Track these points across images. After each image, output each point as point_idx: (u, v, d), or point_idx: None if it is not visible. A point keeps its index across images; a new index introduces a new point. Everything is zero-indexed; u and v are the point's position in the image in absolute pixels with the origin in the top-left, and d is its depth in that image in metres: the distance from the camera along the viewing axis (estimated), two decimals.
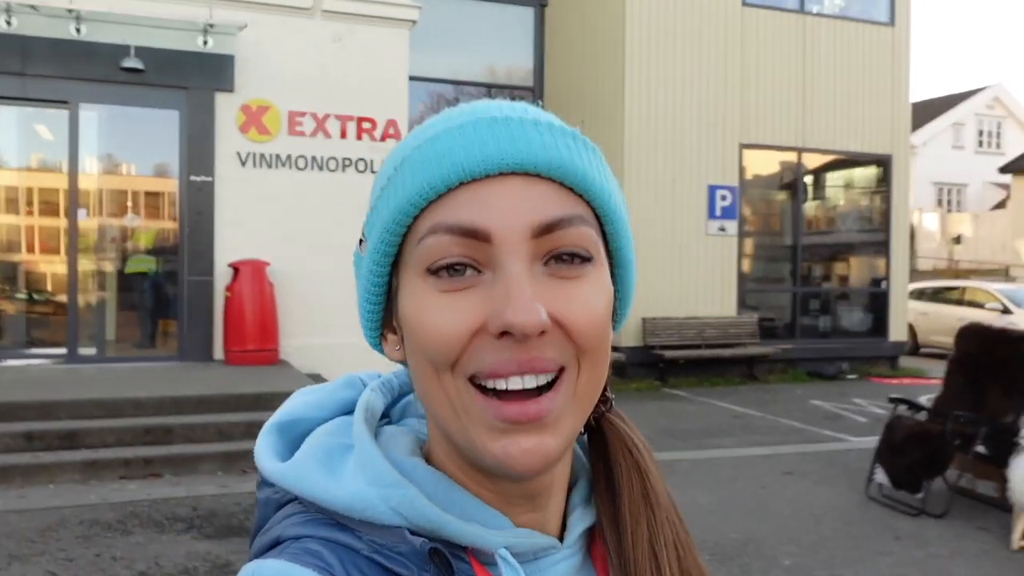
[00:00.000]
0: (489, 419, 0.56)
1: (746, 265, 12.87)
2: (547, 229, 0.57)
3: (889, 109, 13.41)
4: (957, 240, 29.72)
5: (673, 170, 11.97)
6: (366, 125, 9.79)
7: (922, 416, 6.15)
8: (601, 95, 12.33)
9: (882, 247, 13.61)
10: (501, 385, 0.56)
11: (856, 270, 13.97)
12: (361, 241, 0.64)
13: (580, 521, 0.68)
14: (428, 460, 0.65)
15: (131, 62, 8.64)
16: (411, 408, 0.72)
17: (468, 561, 0.61)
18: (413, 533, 0.59)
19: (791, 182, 13.23)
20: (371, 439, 0.63)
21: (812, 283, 13.55)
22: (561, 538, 0.67)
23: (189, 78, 9.08)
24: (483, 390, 0.57)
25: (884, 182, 13.58)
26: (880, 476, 5.97)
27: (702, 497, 5.87)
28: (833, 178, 14.01)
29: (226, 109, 9.24)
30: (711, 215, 12.22)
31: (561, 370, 0.57)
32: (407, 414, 0.72)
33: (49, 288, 9.24)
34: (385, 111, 9.89)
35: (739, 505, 5.80)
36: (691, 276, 12.01)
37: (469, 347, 0.56)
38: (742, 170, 12.54)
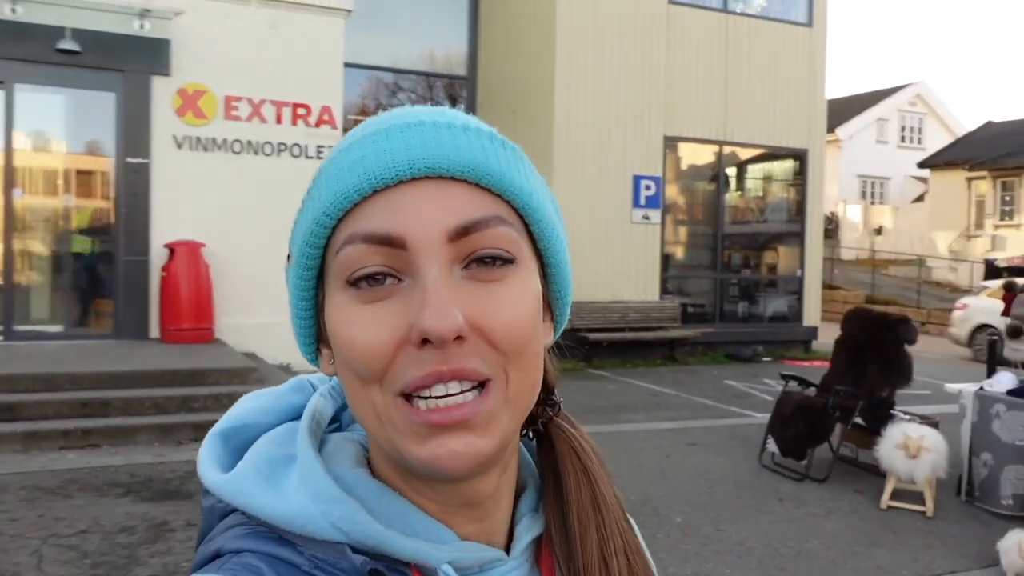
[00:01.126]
0: (413, 426, 0.56)
1: (669, 252, 13.47)
2: (463, 232, 0.56)
3: (806, 106, 14.11)
4: (878, 231, 30.96)
5: (600, 160, 12.46)
6: (301, 111, 10.07)
7: (811, 392, 6.75)
8: (532, 85, 12.76)
9: (798, 237, 14.34)
10: (425, 395, 0.55)
11: (773, 258, 14.69)
12: (289, 257, 0.63)
13: (527, 531, 0.67)
14: (372, 469, 0.64)
15: (67, 44, 8.78)
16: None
17: None
18: (355, 550, 0.58)
19: (713, 174, 13.86)
20: (314, 451, 0.62)
21: (732, 270, 14.22)
22: (508, 549, 0.66)
23: (125, 61, 9.25)
24: (408, 399, 0.56)
25: (800, 175, 14.31)
26: (771, 445, 6.55)
27: (608, 465, 6.36)
28: (753, 170, 14.68)
29: (162, 92, 9.44)
30: (636, 204, 12.76)
31: (488, 381, 0.56)
32: (356, 419, 0.68)
33: None
34: (320, 98, 10.18)
35: (642, 472, 6.32)
36: (616, 262, 12.53)
37: (395, 360, 0.55)
38: (666, 161, 13.10)
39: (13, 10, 8.66)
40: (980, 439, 5.92)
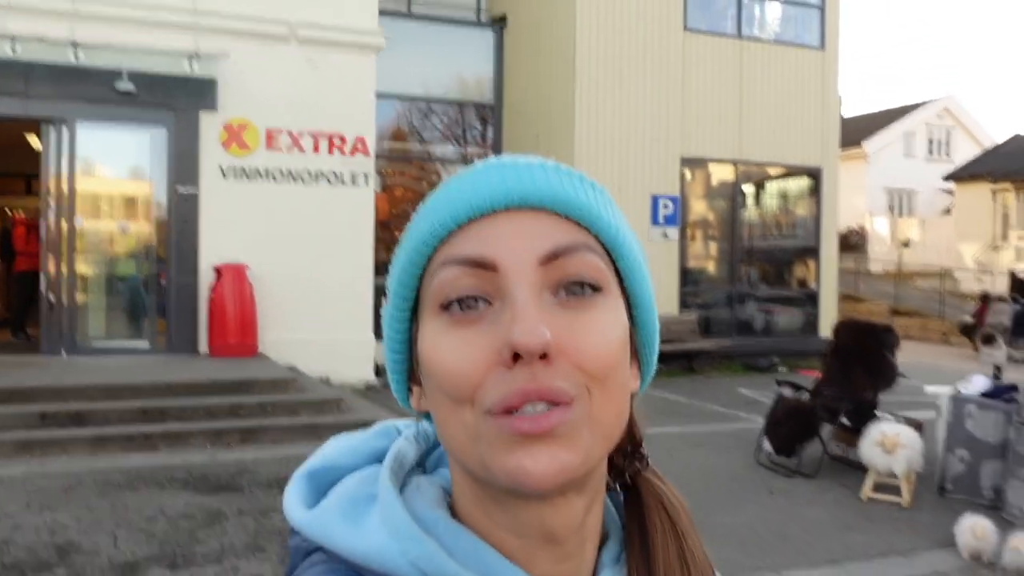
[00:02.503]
0: (503, 436, 0.56)
1: (688, 268, 14.05)
2: (553, 256, 0.58)
3: (819, 125, 14.65)
4: (906, 244, 31.16)
5: (619, 181, 13.10)
6: (337, 141, 10.86)
7: (804, 396, 7.32)
8: (554, 112, 13.46)
9: (813, 252, 14.85)
10: (516, 415, 0.56)
11: (789, 273, 15.20)
12: (384, 295, 0.65)
13: None
14: (454, 511, 0.64)
15: (124, 84, 9.66)
16: (446, 458, 0.69)
17: None
18: None
19: (730, 192, 14.44)
20: (394, 491, 0.63)
21: (749, 284, 14.76)
22: None
23: (176, 99, 10.11)
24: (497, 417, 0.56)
25: (815, 192, 14.83)
26: (766, 445, 7.13)
27: None
28: (769, 188, 15.21)
29: (210, 127, 10.28)
30: (654, 222, 13.39)
31: (573, 397, 0.56)
32: (441, 464, 0.71)
33: (47, 287, 10.17)
34: (354, 128, 10.96)
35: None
36: None
37: (485, 381, 0.56)
38: (683, 181, 13.72)
39: (76, 55, 9.55)
40: (955, 437, 6.46)
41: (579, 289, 0.58)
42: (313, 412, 8.02)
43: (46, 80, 9.57)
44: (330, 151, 10.85)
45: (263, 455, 7.07)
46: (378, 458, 0.69)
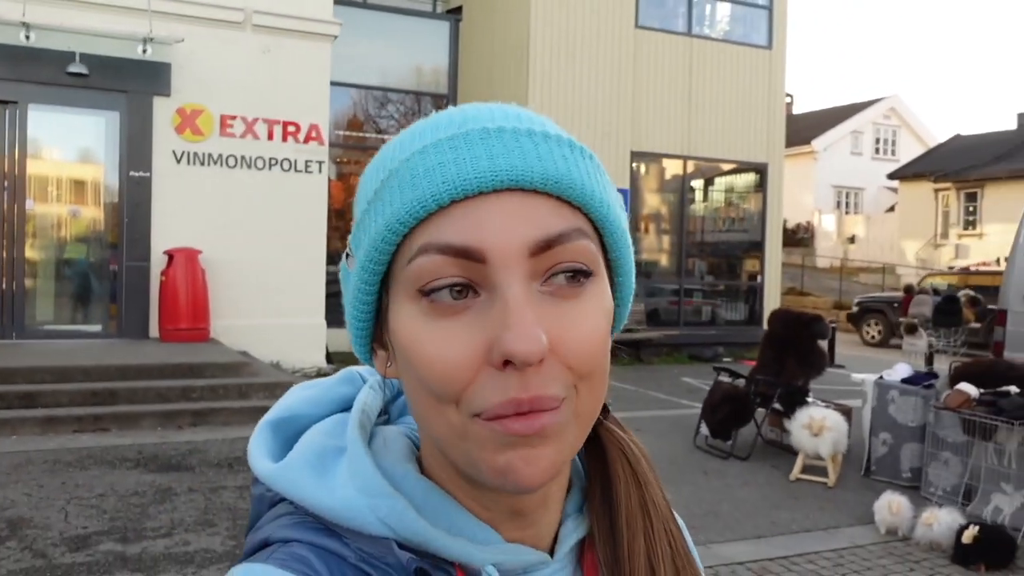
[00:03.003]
0: (495, 436, 0.54)
1: (637, 260, 14.32)
2: (546, 246, 0.55)
3: (766, 123, 15.05)
4: (851, 240, 31.98)
5: None
6: (291, 128, 10.93)
7: (740, 382, 7.63)
8: (507, 102, 13.63)
9: (758, 246, 15.27)
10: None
11: (735, 266, 15.61)
12: (347, 255, 0.62)
13: (572, 533, 0.67)
14: (421, 465, 0.64)
15: (76, 67, 9.64)
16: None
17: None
18: (401, 546, 0.58)
19: (678, 186, 14.78)
20: (364, 446, 0.62)
21: (696, 277, 15.13)
22: (552, 551, 0.65)
23: (129, 83, 10.10)
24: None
25: (761, 188, 15.24)
26: (703, 429, 7.44)
27: None
28: (716, 183, 15.59)
29: (163, 111, 10.29)
30: None
31: (562, 400, 0.55)
32: (405, 412, 0.71)
33: None
34: (309, 116, 11.04)
35: None
36: None
37: (474, 382, 0.54)
38: (633, 175, 14.02)
39: (27, 36, 9.49)
40: (878, 421, 6.81)
41: (570, 276, 0.56)
42: (264, 395, 8.14)
43: None
44: (284, 138, 10.92)
45: (214, 436, 7.19)
46: (342, 406, 0.69)
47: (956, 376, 6.08)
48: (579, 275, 0.56)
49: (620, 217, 0.61)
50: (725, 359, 14.20)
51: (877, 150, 35.67)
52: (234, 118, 10.62)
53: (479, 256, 0.54)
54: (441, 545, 0.59)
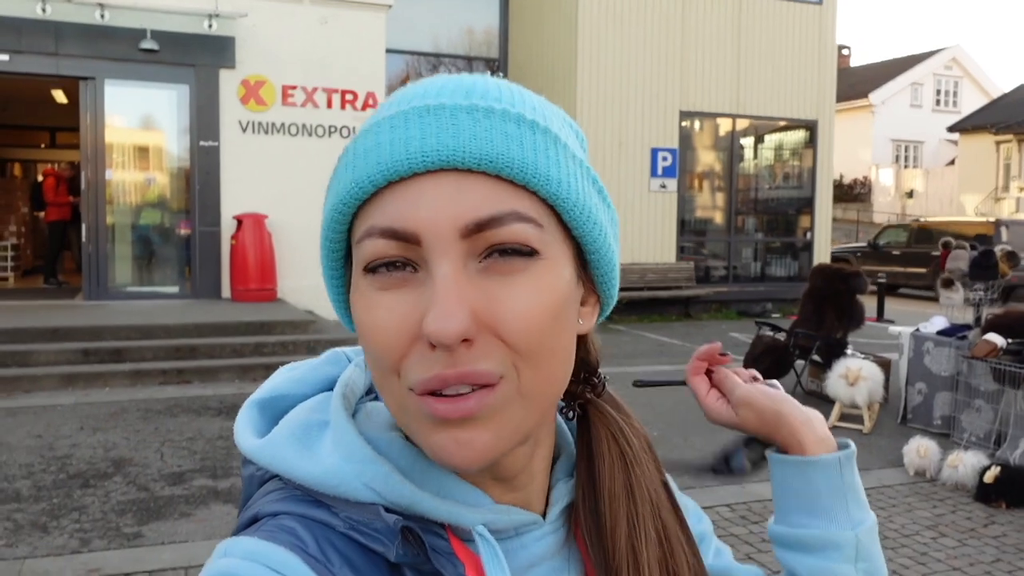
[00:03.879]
0: (424, 415, 0.55)
1: (686, 218, 14.62)
2: (477, 228, 0.54)
3: (816, 79, 15.06)
4: (910, 194, 31.54)
5: (620, 134, 13.63)
6: (349, 97, 11.40)
7: (781, 336, 7.95)
8: (557, 68, 13.93)
9: (808, 203, 15.37)
10: (438, 395, 0.55)
11: (785, 223, 15.74)
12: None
13: (562, 497, 0.67)
14: (406, 436, 0.63)
15: (147, 43, 10.21)
16: None
17: (446, 537, 0.60)
18: (388, 510, 0.59)
19: (727, 145, 14.93)
20: (346, 415, 0.63)
21: (745, 233, 15.32)
22: (545, 513, 0.66)
23: (197, 57, 10.65)
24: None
25: (811, 144, 15.30)
26: None
27: None
28: (766, 141, 15.68)
29: (229, 84, 10.83)
30: (653, 174, 13.93)
31: (499, 378, 0.55)
32: None
33: (84, 236, 10.84)
34: (365, 84, 11.49)
35: (632, 402, 7.59)
36: (635, 228, 13.72)
37: (409, 354, 0.55)
38: (682, 134, 14.22)
39: (102, 15, 10.08)
40: (915, 372, 7.10)
41: (509, 252, 0.55)
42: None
43: (75, 39, 10.12)
44: (343, 106, 11.39)
45: None
46: (328, 385, 0.70)
47: (988, 327, 6.34)
48: (517, 254, 0.56)
49: (579, 193, 0.59)
50: (774, 315, 14.43)
51: (938, 102, 34.91)
52: (295, 88, 11.11)
53: (413, 238, 0.55)
54: (429, 507, 0.60)
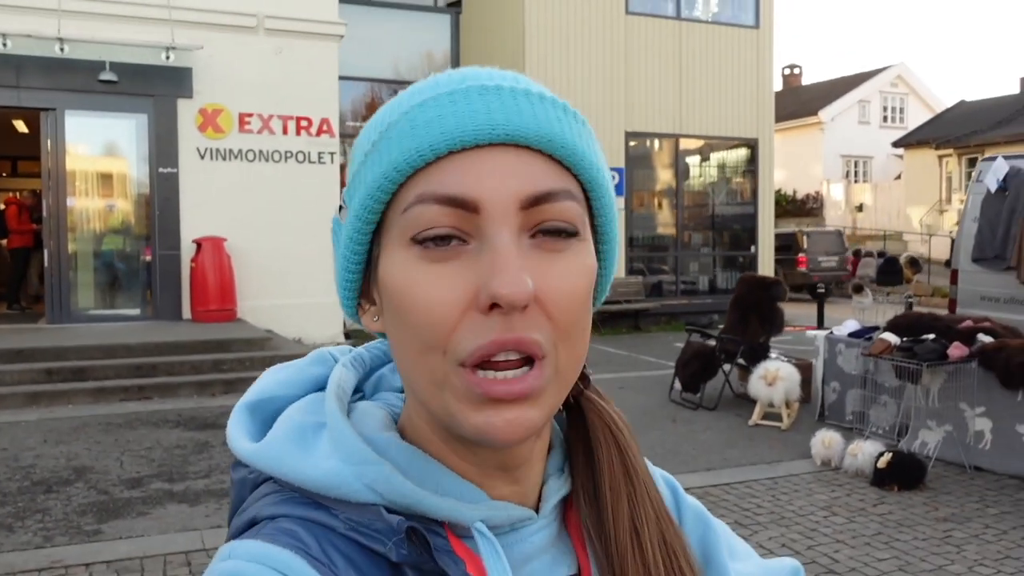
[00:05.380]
0: (472, 394, 0.56)
1: (634, 235, 15.20)
2: (536, 201, 0.57)
3: (755, 99, 15.77)
4: (859, 208, 32.49)
5: None
6: (304, 123, 11.86)
7: (711, 342, 8.48)
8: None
9: (751, 218, 16.03)
10: (490, 374, 0.56)
11: (729, 237, 16.39)
12: (341, 208, 0.64)
13: (555, 491, 0.68)
14: (403, 434, 0.65)
15: (107, 75, 10.59)
16: (384, 382, 0.72)
17: (445, 535, 0.61)
18: (389, 510, 0.59)
19: (671, 163, 15.56)
20: (343, 416, 0.63)
21: (691, 249, 15.94)
22: (537, 508, 0.67)
23: (155, 87, 11.06)
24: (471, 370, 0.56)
25: (752, 162, 15.98)
26: (676, 384, 8.31)
27: None
28: (709, 160, 16.34)
29: (187, 112, 11.25)
30: None
31: (543, 356, 0.57)
32: (379, 388, 0.72)
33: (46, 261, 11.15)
34: (320, 111, 11.96)
35: None
36: None
37: (459, 326, 0.55)
38: (628, 153, 14.82)
39: (62, 49, 10.46)
40: (829, 371, 7.65)
41: (556, 233, 0.58)
42: None
43: (35, 72, 10.49)
44: (298, 132, 11.85)
45: None
46: (316, 386, 0.70)
47: (888, 327, 6.90)
48: (564, 234, 0.58)
49: (609, 183, 0.63)
50: (720, 326, 15.00)
51: (885, 118, 35.99)
52: (251, 115, 11.55)
53: (473, 206, 0.56)
54: (430, 505, 0.60)
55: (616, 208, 0.66)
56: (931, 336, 6.43)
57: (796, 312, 15.73)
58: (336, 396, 0.66)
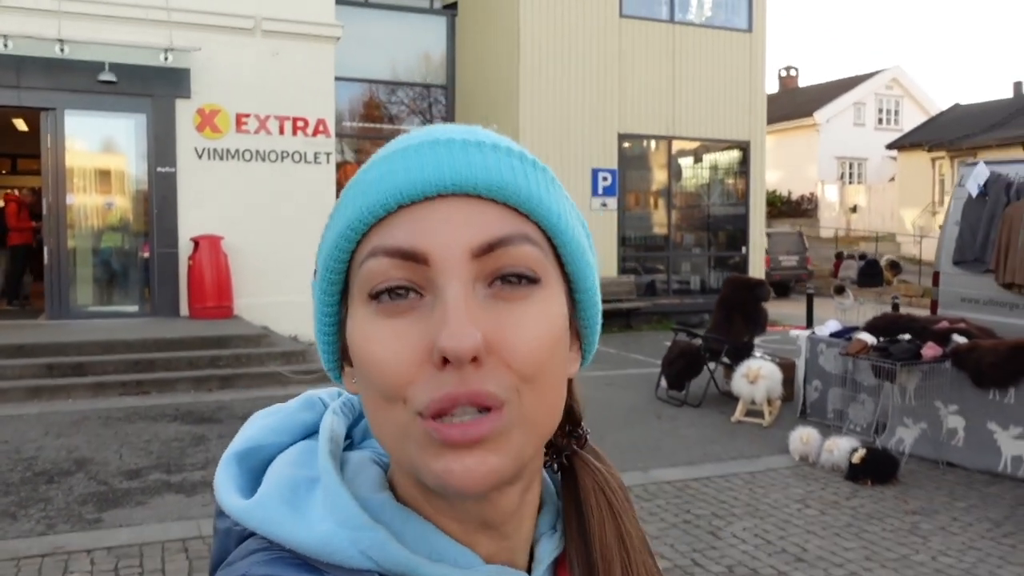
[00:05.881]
0: (432, 441, 0.55)
1: (626, 235, 15.40)
2: (487, 248, 0.56)
3: (747, 102, 15.97)
4: (854, 209, 32.71)
5: (561, 155, 14.38)
6: (300, 124, 12.04)
7: (697, 341, 8.69)
8: (500, 92, 14.68)
9: (743, 219, 16.24)
10: (446, 420, 0.55)
11: (721, 238, 16.59)
12: (316, 272, 0.64)
13: (548, 553, 0.68)
14: (394, 491, 0.64)
15: (106, 76, 10.76)
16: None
17: None
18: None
19: (664, 164, 15.77)
20: (338, 477, 0.62)
21: (683, 249, 16.14)
22: (529, 568, 0.67)
23: (154, 88, 11.24)
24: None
25: (744, 164, 16.18)
26: (663, 382, 8.51)
27: None
28: (702, 161, 16.54)
29: (185, 112, 11.42)
30: (594, 193, 14.70)
31: (503, 404, 0.56)
32: (369, 435, 0.70)
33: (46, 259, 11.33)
34: (316, 111, 12.14)
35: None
36: None
37: (416, 380, 0.55)
38: (621, 155, 15.02)
39: (62, 50, 10.63)
40: (811, 370, 7.86)
41: (515, 280, 0.57)
42: (281, 362, 9.30)
43: (36, 72, 10.66)
44: (294, 133, 12.03)
45: (239, 397, 8.37)
46: (306, 433, 0.69)
47: (866, 328, 7.11)
48: (524, 280, 0.57)
49: (574, 229, 0.62)
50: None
51: (880, 120, 36.22)
52: (248, 116, 11.73)
53: (423, 258, 0.56)
54: (425, 573, 0.59)
55: (589, 255, 0.64)
56: (906, 336, 6.63)
57: (785, 312, 15.95)
58: (330, 452, 0.64)
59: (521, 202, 0.58)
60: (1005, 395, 6.14)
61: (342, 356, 0.64)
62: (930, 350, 6.37)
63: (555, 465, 0.71)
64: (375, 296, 0.57)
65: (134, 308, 11.44)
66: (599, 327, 0.67)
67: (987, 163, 8.96)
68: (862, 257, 8.85)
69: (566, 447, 0.70)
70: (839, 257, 9.92)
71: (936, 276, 9.29)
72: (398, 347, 0.56)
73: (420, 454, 0.56)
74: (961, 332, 6.73)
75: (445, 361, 0.54)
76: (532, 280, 0.57)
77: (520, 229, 0.58)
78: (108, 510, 5.20)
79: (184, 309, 11.30)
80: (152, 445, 6.65)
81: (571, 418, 0.70)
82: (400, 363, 0.55)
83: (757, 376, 7.53)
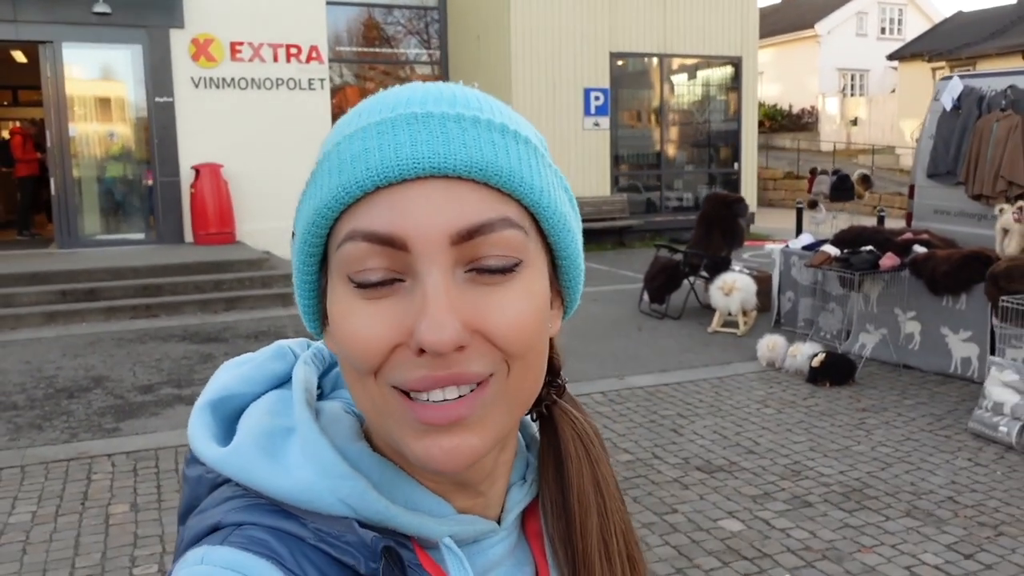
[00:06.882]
0: (410, 421, 0.56)
1: (619, 154, 15.64)
2: (468, 235, 0.55)
3: (739, 18, 15.99)
4: (854, 122, 32.63)
5: (554, 77, 14.55)
6: (293, 51, 12.23)
7: (677, 256, 9.08)
8: (492, 13, 14.75)
9: (735, 135, 16.43)
10: (423, 398, 0.56)
11: (713, 155, 16.81)
12: (293, 235, 0.62)
13: (517, 502, 0.69)
14: (370, 441, 0.64)
15: (100, 7, 10.96)
16: (343, 379, 0.67)
17: (412, 549, 0.62)
18: (362, 525, 0.59)
19: (657, 82, 15.90)
20: (315, 426, 0.62)
21: (676, 166, 16.39)
22: (499, 518, 0.68)
23: (148, 18, 11.42)
24: (405, 393, 0.56)
25: (736, 80, 16.29)
26: (645, 296, 8.93)
27: None
28: (694, 78, 16.65)
29: (179, 42, 11.63)
30: (587, 113, 14.90)
31: (489, 375, 0.56)
32: (338, 385, 0.71)
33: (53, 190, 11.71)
34: (308, 38, 12.32)
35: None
36: (571, 164, 14.72)
37: (390, 359, 0.56)
38: (613, 74, 15.16)
39: None
40: (785, 282, 8.26)
41: (495, 270, 0.56)
42: (283, 284, 9.74)
43: (32, 6, 10.85)
44: (288, 60, 12.23)
45: (243, 318, 8.84)
46: (277, 383, 0.69)
47: (834, 240, 7.48)
48: (500, 272, 0.56)
49: (557, 201, 0.60)
50: None
51: (883, 30, 35.77)
52: (242, 44, 11.92)
53: (401, 244, 0.55)
54: (402, 522, 0.61)
55: (571, 222, 0.63)
56: (868, 248, 7.00)
57: (774, 227, 16.28)
58: (305, 402, 0.64)
59: (503, 182, 0.57)
60: (957, 301, 6.54)
61: (323, 317, 0.63)
62: (888, 260, 6.75)
63: (533, 414, 0.72)
64: (353, 280, 0.57)
65: (140, 236, 11.85)
66: (581, 285, 0.67)
67: (962, 77, 9.19)
68: (835, 172, 9.14)
69: (546, 396, 0.71)
70: (812, 172, 10.22)
71: (911, 189, 9.62)
72: (377, 327, 0.56)
73: (400, 432, 0.58)
74: (923, 243, 7.09)
75: (422, 351, 0.54)
76: (513, 269, 0.57)
77: (501, 212, 0.57)
78: (125, 420, 5.71)
79: (188, 236, 11.71)
80: (163, 363, 7.14)
81: (551, 369, 0.69)
82: (378, 342, 0.56)
83: (732, 288, 7.94)
